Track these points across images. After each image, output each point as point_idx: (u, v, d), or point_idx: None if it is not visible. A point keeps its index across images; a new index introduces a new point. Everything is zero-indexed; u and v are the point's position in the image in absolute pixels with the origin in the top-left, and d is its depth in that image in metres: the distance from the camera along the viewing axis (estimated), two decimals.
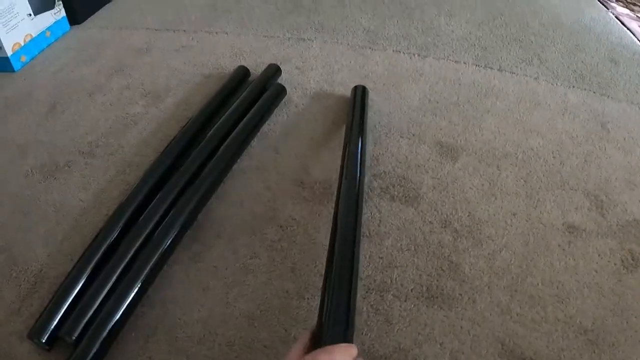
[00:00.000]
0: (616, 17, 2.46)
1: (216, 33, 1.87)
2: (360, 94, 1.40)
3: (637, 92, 1.70)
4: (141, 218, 1.01)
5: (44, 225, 1.09)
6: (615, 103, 1.61)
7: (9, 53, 1.64)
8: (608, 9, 2.56)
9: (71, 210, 1.12)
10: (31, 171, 1.23)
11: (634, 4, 2.84)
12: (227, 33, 1.86)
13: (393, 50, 1.77)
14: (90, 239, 1.01)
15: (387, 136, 1.32)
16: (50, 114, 1.44)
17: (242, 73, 1.53)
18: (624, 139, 1.44)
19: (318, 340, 0.60)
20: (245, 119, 1.29)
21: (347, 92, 1.49)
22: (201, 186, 1.09)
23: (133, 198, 1.07)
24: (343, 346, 0.55)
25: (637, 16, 2.61)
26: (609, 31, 2.20)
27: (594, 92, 1.65)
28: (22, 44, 1.70)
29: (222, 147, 1.19)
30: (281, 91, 1.43)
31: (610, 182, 1.26)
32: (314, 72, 1.61)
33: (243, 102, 1.35)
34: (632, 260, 1.07)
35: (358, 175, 1.07)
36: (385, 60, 1.70)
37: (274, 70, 1.53)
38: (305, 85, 1.52)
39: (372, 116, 1.40)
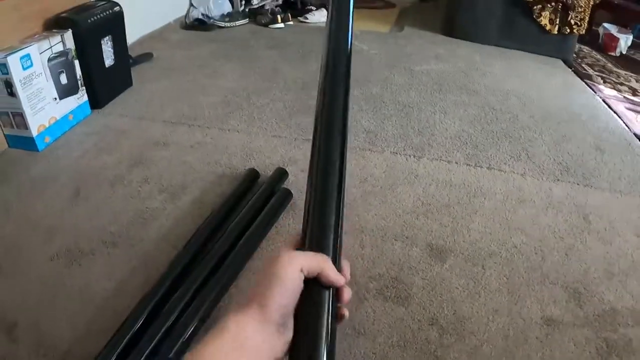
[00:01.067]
0: (604, 100, 2.63)
1: (228, 130, 2.03)
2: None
3: (620, 179, 1.85)
4: (162, 311, 1.14)
5: (70, 307, 1.19)
6: (598, 193, 1.75)
7: (35, 134, 1.80)
8: (596, 92, 2.73)
9: (95, 297, 1.22)
10: (57, 255, 1.35)
11: (622, 84, 3.01)
12: (238, 131, 2.03)
13: (391, 152, 1.93)
14: (113, 324, 1.11)
15: (383, 240, 1.46)
16: (74, 199, 1.58)
17: (252, 175, 1.68)
18: (605, 229, 1.57)
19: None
20: (254, 224, 1.44)
21: (349, 196, 1.63)
22: (215, 287, 1.22)
23: (156, 291, 1.20)
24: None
25: (624, 97, 2.77)
26: (596, 117, 2.35)
27: (578, 184, 1.79)
28: (47, 125, 1.86)
29: (233, 251, 1.33)
30: (287, 196, 1.58)
31: (589, 274, 1.39)
32: None
33: (253, 205, 1.50)
34: (607, 347, 1.18)
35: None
36: (384, 163, 1.85)
37: (281, 174, 1.68)
38: None
39: (370, 220, 1.54)
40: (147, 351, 1.05)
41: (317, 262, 0.50)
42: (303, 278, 0.49)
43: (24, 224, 1.47)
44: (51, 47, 1.84)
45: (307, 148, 1.87)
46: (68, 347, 1.09)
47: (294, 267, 0.49)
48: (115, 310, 1.18)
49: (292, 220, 1.52)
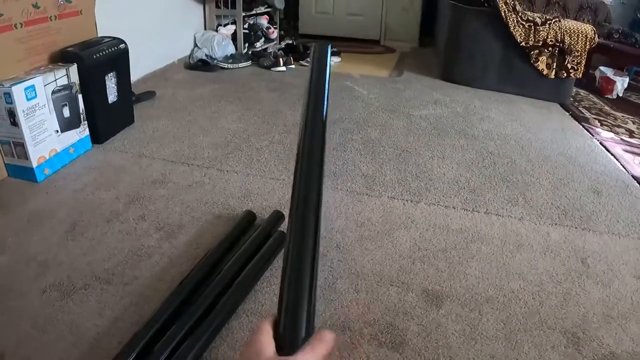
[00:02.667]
0: (601, 143, 2.64)
1: (227, 171, 2.04)
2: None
3: (617, 221, 1.85)
4: (155, 349, 1.13)
5: (60, 344, 1.18)
6: (596, 236, 1.74)
7: (34, 165, 1.82)
8: (593, 135, 2.75)
9: (86, 333, 1.22)
10: (49, 289, 1.35)
11: (619, 126, 3.03)
12: (236, 172, 2.04)
13: (388, 197, 1.93)
14: None
15: (378, 284, 1.45)
16: (70, 234, 1.58)
17: (249, 217, 1.68)
18: (603, 272, 1.56)
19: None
20: (250, 264, 1.44)
21: (345, 240, 1.64)
22: (209, 326, 1.22)
23: (148, 329, 1.19)
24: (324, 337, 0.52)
25: (621, 139, 2.79)
26: (594, 160, 2.36)
27: (576, 228, 1.79)
28: (47, 157, 1.88)
29: (229, 291, 1.33)
30: (283, 238, 1.58)
31: (588, 318, 1.37)
32: None
33: (249, 247, 1.50)
34: None
35: None
36: (381, 207, 1.86)
37: (278, 217, 1.68)
38: None
39: (366, 264, 1.53)
40: None
41: None
42: None
43: (19, 256, 1.47)
44: (56, 80, 1.87)
45: None
46: None
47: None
48: (105, 349, 1.17)
49: None
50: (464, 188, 2.03)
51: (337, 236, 1.67)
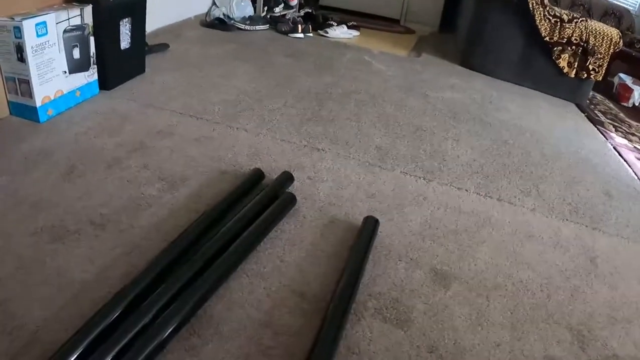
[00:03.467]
0: (614, 147, 2.60)
1: (236, 128, 1.99)
2: (371, 225, 1.48)
3: (627, 225, 1.81)
4: (143, 304, 1.07)
5: (45, 288, 1.12)
6: (606, 237, 1.71)
7: (38, 104, 1.76)
8: (607, 139, 2.71)
9: (74, 280, 1.16)
10: (40, 231, 1.29)
11: (633, 134, 2.99)
12: (247, 130, 1.99)
13: (401, 172, 1.89)
14: (88, 313, 1.04)
15: (386, 258, 1.41)
16: (67, 176, 1.52)
17: (257, 175, 1.63)
18: (611, 274, 1.53)
19: None
20: (255, 222, 1.38)
21: (354, 210, 1.60)
22: (205, 282, 1.16)
23: (137, 283, 1.12)
24: None
25: (634, 147, 2.75)
26: (606, 163, 2.33)
27: (587, 226, 1.75)
28: (52, 97, 1.82)
29: (230, 248, 1.27)
30: (292, 200, 1.53)
31: (594, 317, 1.34)
32: (325, 184, 1.72)
33: (255, 206, 1.45)
34: None
35: (348, 299, 1.19)
36: (393, 181, 1.82)
37: (287, 178, 1.63)
38: (315, 197, 1.62)
39: (376, 236, 1.49)
40: (118, 347, 0.98)
41: None
42: None
43: (10, 196, 1.41)
44: (69, 19, 1.80)
45: (316, 156, 1.87)
46: (36, 329, 1.03)
47: None
48: (91, 298, 1.12)
49: (292, 227, 1.47)
50: (478, 173, 1.99)
51: (347, 204, 1.62)
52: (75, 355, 0.94)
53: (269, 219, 1.42)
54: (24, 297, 1.10)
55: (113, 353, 0.96)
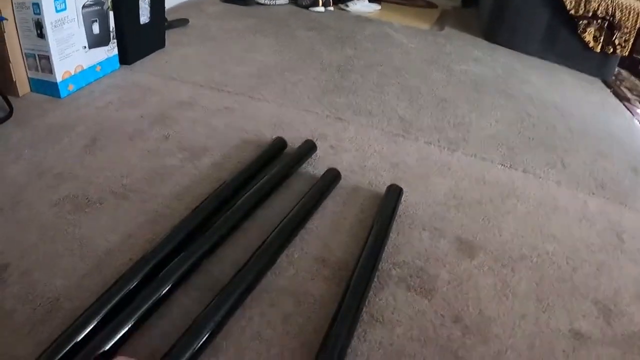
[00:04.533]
0: None
1: (259, 100, 1.98)
2: (395, 194, 1.47)
3: None
4: (162, 273, 1.07)
5: (68, 257, 1.13)
6: (632, 213, 1.68)
7: (59, 79, 1.76)
8: (634, 115, 2.65)
9: (96, 249, 1.17)
10: (62, 201, 1.30)
11: None
12: (268, 101, 1.98)
13: (425, 142, 1.87)
14: (110, 280, 1.06)
15: (410, 227, 1.40)
16: (89, 148, 1.53)
17: (280, 144, 1.62)
18: (638, 251, 1.50)
19: None
20: (301, 202, 1.35)
21: (378, 179, 1.59)
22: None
23: (158, 251, 1.13)
24: None
25: None
26: (633, 139, 2.28)
27: (613, 201, 1.72)
28: (73, 73, 1.82)
29: (274, 233, 1.24)
30: (336, 177, 1.51)
31: (620, 293, 1.32)
32: (348, 154, 1.70)
33: (278, 173, 1.44)
34: None
35: (372, 266, 1.18)
36: (417, 151, 1.80)
37: (311, 147, 1.62)
38: (338, 167, 1.59)
39: (399, 205, 1.47)
40: (139, 313, 0.98)
41: None
42: None
43: (33, 168, 1.41)
44: None
45: (339, 126, 1.85)
46: (57, 297, 1.04)
47: None
48: (114, 266, 1.13)
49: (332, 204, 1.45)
50: (502, 145, 1.95)
51: (370, 174, 1.61)
52: (96, 322, 0.95)
53: (315, 196, 1.40)
54: (46, 267, 1.10)
55: (132, 321, 0.96)
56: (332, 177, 1.50)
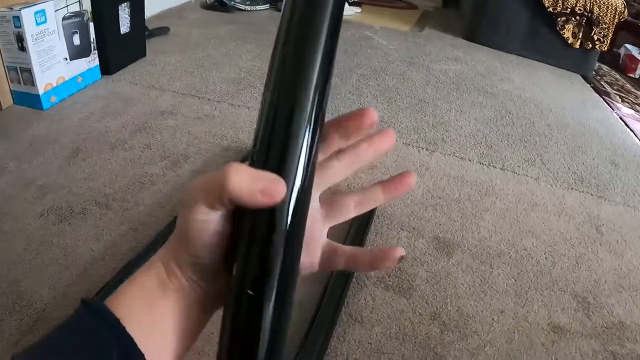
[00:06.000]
0: (621, 118, 2.57)
1: (238, 106, 1.99)
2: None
3: (634, 194, 1.80)
4: None
5: (53, 267, 1.15)
6: (611, 206, 1.70)
7: (41, 92, 1.76)
8: (613, 109, 2.68)
9: (81, 258, 1.18)
10: (46, 212, 1.31)
11: None
12: (248, 107, 1.99)
13: (403, 143, 1.88)
14: (95, 289, 1.08)
15: (388, 227, 1.41)
16: (72, 159, 1.54)
17: None
18: (617, 242, 1.52)
19: None
20: None
21: (356, 181, 1.59)
22: None
23: (141, 258, 1.15)
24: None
25: None
26: (612, 133, 2.30)
27: (592, 195, 1.74)
28: (54, 84, 1.82)
29: None
30: None
31: (599, 285, 1.34)
32: None
33: None
34: None
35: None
36: (395, 152, 1.81)
37: None
38: None
39: (377, 206, 1.48)
40: None
41: (215, 181, 0.32)
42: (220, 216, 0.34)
43: (17, 180, 1.42)
44: (67, 6, 1.79)
45: None
46: (44, 307, 1.05)
47: (194, 209, 0.33)
48: (99, 274, 1.14)
49: None
50: (481, 143, 1.97)
51: (349, 177, 1.61)
52: None
53: None
54: (32, 277, 1.12)
55: None
56: None
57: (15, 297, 1.07)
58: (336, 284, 1.14)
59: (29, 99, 1.77)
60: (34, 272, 1.13)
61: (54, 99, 1.83)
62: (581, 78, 3.18)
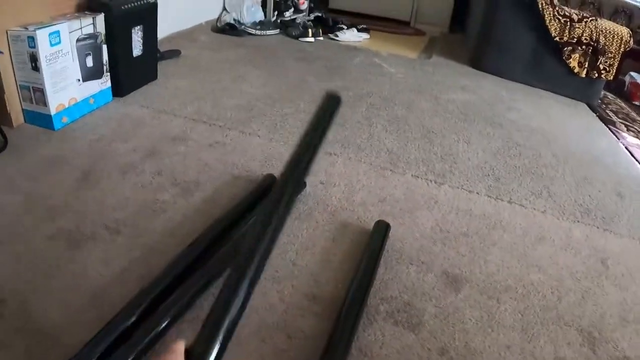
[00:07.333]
0: (626, 147, 2.60)
1: (249, 134, 2.01)
2: (382, 229, 1.50)
3: (639, 226, 1.81)
4: (159, 309, 1.09)
5: (63, 292, 1.15)
6: (617, 238, 1.71)
7: (53, 112, 1.79)
8: (619, 139, 2.70)
9: (91, 283, 1.19)
10: (57, 235, 1.32)
11: None
12: (259, 136, 2.01)
13: (412, 175, 1.90)
14: (104, 315, 1.07)
15: (397, 262, 1.43)
16: (83, 182, 1.56)
17: (269, 181, 1.64)
18: (622, 275, 1.53)
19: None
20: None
21: (366, 214, 1.61)
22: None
23: (153, 287, 1.15)
24: None
25: None
26: (618, 163, 2.32)
27: (598, 227, 1.75)
28: (66, 105, 1.85)
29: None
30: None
31: (605, 319, 1.35)
32: (337, 188, 1.73)
33: None
34: None
35: (360, 302, 1.21)
36: (404, 185, 1.83)
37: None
38: (327, 202, 1.64)
39: (386, 240, 1.50)
40: (138, 349, 1.00)
41: None
42: None
43: (27, 201, 1.44)
44: (81, 28, 1.83)
45: (328, 161, 1.88)
46: (54, 333, 1.06)
47: None
48: (109, 301, 1.15)
49: (305, 231, 1.50)
50: (489, 175, 1.99)
51: (359, 209, 1.64)
52: (95, 358, 0.96)
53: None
54: (42, 301, 1.13)
55: (131, 357, 0.98)
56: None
57: (24, 321, 1.07)
58: (347, 318, 1.16)
59: (40, 119, 1.80)
60: (45, 297, 1.14)
61: (65, 119, 1.86)
62: (586, 106, 3.21)
